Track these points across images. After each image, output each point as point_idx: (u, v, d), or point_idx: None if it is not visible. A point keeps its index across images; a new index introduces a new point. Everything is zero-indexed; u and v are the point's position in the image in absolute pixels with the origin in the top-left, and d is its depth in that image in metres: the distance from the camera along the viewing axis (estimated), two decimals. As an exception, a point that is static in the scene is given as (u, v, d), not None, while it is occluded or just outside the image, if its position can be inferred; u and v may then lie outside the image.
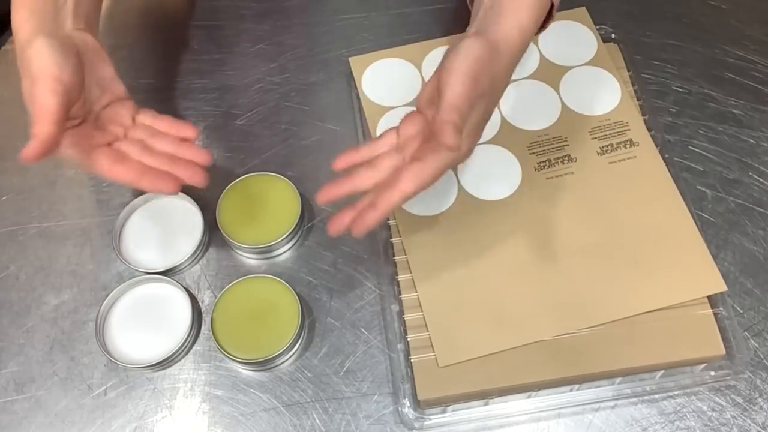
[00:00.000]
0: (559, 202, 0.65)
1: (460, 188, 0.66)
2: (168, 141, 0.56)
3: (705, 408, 0.58)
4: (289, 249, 0.66)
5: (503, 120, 0.70)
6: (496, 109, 0.70)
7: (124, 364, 0.60)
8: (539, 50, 0.74)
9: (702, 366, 0.58)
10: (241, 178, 0.68)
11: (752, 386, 0.58)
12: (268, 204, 0.67)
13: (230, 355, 0.59)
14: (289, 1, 0.82)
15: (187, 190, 0.68)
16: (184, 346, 0.61)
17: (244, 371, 0.61)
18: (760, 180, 0.68)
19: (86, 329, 0.63)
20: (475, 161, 0.67)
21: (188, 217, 0.67)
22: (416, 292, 0.61)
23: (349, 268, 0.65)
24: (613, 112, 0.70)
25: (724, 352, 0.58)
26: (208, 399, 0.60)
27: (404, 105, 0.72)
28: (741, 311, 0.62)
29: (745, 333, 0.61)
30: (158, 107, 0.76)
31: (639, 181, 0.66)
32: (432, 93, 0.52)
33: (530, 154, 0.68)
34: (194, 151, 0.55)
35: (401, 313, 0.61)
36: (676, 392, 0.58)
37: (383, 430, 0.58)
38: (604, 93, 0.71)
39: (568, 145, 0.68)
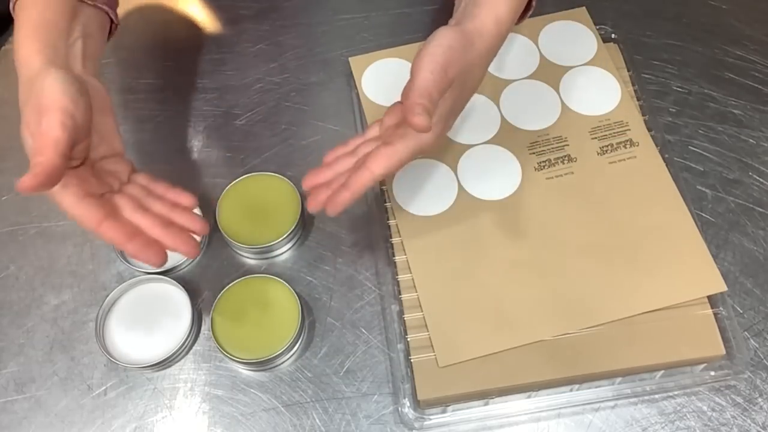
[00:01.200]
0: (559, 202, 0.65)
1: (460, 188, 0.66)
2: (163, 203, 0.53)
3: (705, 408, 0.58)
4: (289, 249, 0.66)
5: (503, 120, 0.70)
6: (497, 109, 0.70)
7: (124, 364, 0.60)
8: (539, 50, 0.74)
9: (702, 366, 0.58)
10: (241, 178, 0.68)
11: (752, 386, 0.59)
12: (268, 204, 0.67)
13: (230, 355, 0.59)
14: (288, 1, 0.82)
15: (187, 189, 0.68)
16: (184, 346, 0.61)
17: (244, 371, 0.61)
18: (760, 180, 0.68)
19: (86, 329, 0.63)
20: (476, 161, 0.67)
21: (188, 217, 0.67)
22: (416, 292, 0.61)
23: (349, 268, 0.65)
24: (613, 112, 0.70)
25: (724, 352, 0.58)
26: (208, 399, 0.60)
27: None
28: (741, 311, 0.62)
29: (745, 333, 0.61)
30: (158, 107, 0.76)
31: (639, 181, 0.66)
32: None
33: (530, 154, 0.68)
34: (189, 219, 0.53)
35: (401, 313, 0.61)
36: (676, 392, 0.58)
37: (383, 430, 0.58)
38: (604, 93, 0.71)
39: (568, 145, 0.68)
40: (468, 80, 0.54)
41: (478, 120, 0.70)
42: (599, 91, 0.71)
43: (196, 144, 0.72)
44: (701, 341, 0.58)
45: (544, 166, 0.67)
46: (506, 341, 0.58)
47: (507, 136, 0.69)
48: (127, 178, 0.55)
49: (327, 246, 0.66)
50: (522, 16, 0.61)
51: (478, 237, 0.63)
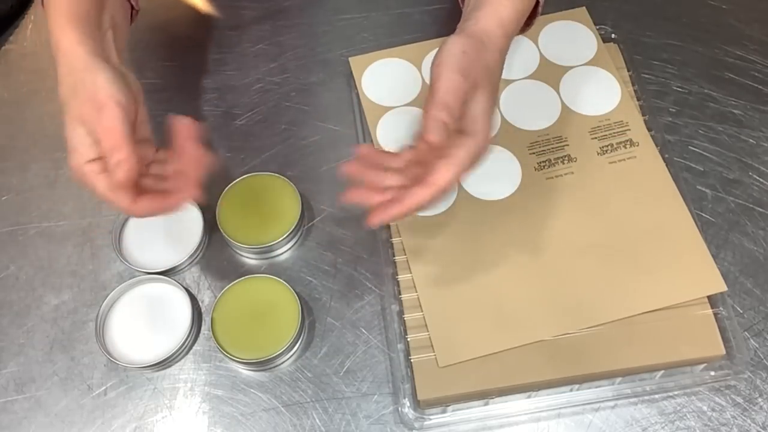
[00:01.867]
0: (560, 202, 0.65)
1: (461, 188, 0.66)
2: (175, 161, 0.55)
3: (705, 408, 0.58)
4: (289, 249, 0.66)
5: (503, 120, 0.70)
6: (496, 109, 0.70)
7: (124, 364, 0.60)
8: (539, 50, 0.74)
9: (702, 366, 0.58)
10: (241, 178, 0.68)
11: (752, 386, 0.58)
12: (268, 204, 0.67)
13: (230, 355, 0.59)
14: (289, 1, 0.82)
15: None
16: (184, 346, 0.61)
17: (244, 371, 0.61)
18: (760, 180, 0.68)
19: (86, 329, 0.63)
20: None
21: (188, 217, 0.67)
22: (416, 292, 0.61)
23: (349, 268, 0.65)
24: (613, 112, 0.70)
25: (724, 352, 0.58)
26: (208, 399, 0.60)
27: (404, 105, 0.72)
28: (741, 311, 0.62)
29: (745, 333, 0.61)
30: (158, 107, 0.76)
31: (639, 181, 0.66)
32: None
33: (530, 154, 0.68)
34: (195, 153, 0.54)
35: (401, 313, 0.61)
36: (676, 392, 0.58)
37: (383, 430, 0.58)
38: (604, 93, 0.71)
39: (568, 145, 0.68)
40: (494, 80, 0.53)
41: None
42: (599, 91, 0.71)
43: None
44: (701, 341, 0.58)
45: (544, 166, 0.67)
46: (506, 341, 0.58)
47: (507, 136, 0.69)
48: (151, 159, 0.56)
49: (327, 246, 0.66)
50: (528, 23, 0.60)
51: (478, 237, 0.63)
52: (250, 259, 0.66)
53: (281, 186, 0.67)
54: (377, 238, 0.64)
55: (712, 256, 0.62)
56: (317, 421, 0.58)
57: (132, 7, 0.62)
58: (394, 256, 0.63)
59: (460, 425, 0.57)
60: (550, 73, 0.73)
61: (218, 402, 0.59)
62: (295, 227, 0.65)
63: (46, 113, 0.75)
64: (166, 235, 0.66)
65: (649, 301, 0.60)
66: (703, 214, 0.66)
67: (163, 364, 0.60)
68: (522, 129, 0.69)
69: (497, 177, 0.67)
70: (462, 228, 0.64)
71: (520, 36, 0.74)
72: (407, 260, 0.63)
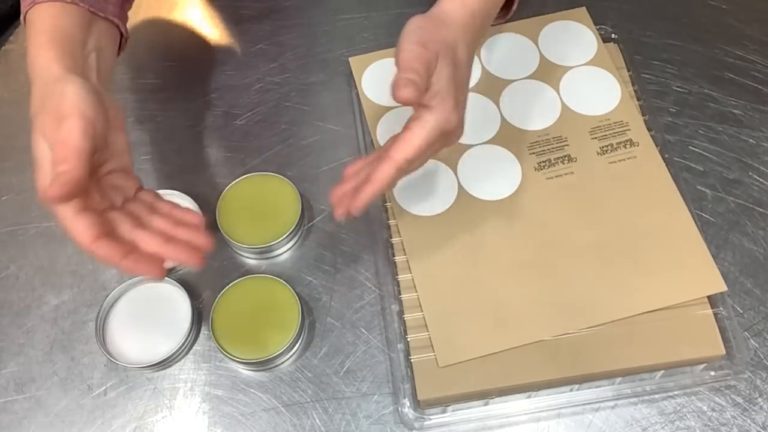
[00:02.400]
0: (559, 202, 0.65)
1: (460, 188, 0.66)
2: (166, 220, 0.52)
3: (705, 408, 0.58)
4: (289, 249, 0.66)
5: (503, 120, 0.70)
6: (496, 109, 0.70)
7: (124, 364, 0.60)
8: (539, 50, 0.74)
9: (702, 366, 0.58)
10: (241, 178, 0.68)
11: (752, 386, 0.58)
12: (268, 204, 0.67)
13: (230, 355, 0.59)
14: (288, 1, 0.82)
15: (187, 189, 0.68)
16: (184, 346, 0.61)
17: (244, 371, 0.61)
18: (760, 180, 0.68)
19: (86, 329, 0.63)
20: (476, 161, 0.67)
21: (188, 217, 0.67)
22: (416, 292, 0.61)
23: (349, 268, 0.65)
24: (613, 112, 0.70)
25: (724, 352, 0.58)
26: (208, 399, 0.60)
27: (404, 105, 0.71)
28: (741, 311, 0.62)
29: (745, 333, 0.61)
30: (158, 107, 0.76)
31: (639, 181, 0.66)
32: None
33: (530, 154, 0.68)
34: (194, 235, 0.51)
35: (401, 313, 0.61)
36: (676, 392, 0.58)
37: (383, 430, 0.58)
38: (604, 93, 0.71)
39: (568, 145, 0.68)
40: (456, 55, 0.53)
41: (478, 120, 0.70)
42: (599, 91, 0.71)
43: (196, 144, 0.72)
44: (701, 341, 0.58)
45: (544, 166, 0.67)
46: (506, 341, 0.58)
47: (507, 136, 0.69)
48: (133, 195, 0.53)
49: (327, 246, 0.66)
50: (508, 9, 0.62)
51: (478, 237, 0.63)
52: (250, 259, 0.66)
53: (281, 186, 0.67)
54: (377, 238, 0.64)
55: (712, 256, 0.62)
56: (317, 421, 0.58)
57: (121, 35, 0.59)
58: (394, 256, 0.63)
59: (460, 425, 0.57)
60: (550, 73, 0.73)
61: (218, 402, 0.59)
62: (295, 227, 0.65)
63: (46, 113, 0.75)
64: (166, 235, 0.66)
65: (649, 301, 0.60)
66: (703, 214, 0.66)
67: (163, 364, 0.60)
68: (522, 129, 0.69)
69: (497, 177, 0.67)
70: (462, 228, 0.64)
71: (520, 36, 0.75)
72: (407, 260, 0.63)
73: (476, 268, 0.62)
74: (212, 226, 0.66)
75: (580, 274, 0.61)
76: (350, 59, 0.75)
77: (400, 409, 0.57)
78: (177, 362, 0.61)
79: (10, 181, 0.71)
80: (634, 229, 0.63)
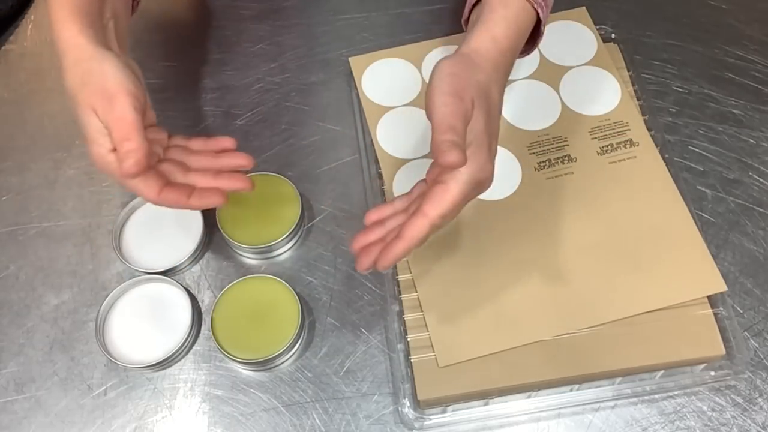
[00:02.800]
0: (560, 202, 0.65)
1: None
2: (205, 157, 0.57)
3: (705, 408, 0.58)
4: (289, 249, 0.66)
5: (503, 120, 0.70)
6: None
7: (124, 364, 0.60)
8: (539, 50, 0.74)
9: (702, 366, 0.58)
10: (241, 178, 0.68)
11: (752, 386, 0.58)
12: (268, 204, 0.67)
13: (230, 355, 0.59)
14: (289, 1, 0.82)
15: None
16: (184, 346, 0.61)
17: (244, 371, 0.61)
18: (760, 180, 0.68)
19: (86, 329, 0.63)
20: None
21: (188, 217, 0.67)
22: (416, 292, 0.61)
23: (349, 268, 0.65)
24: (613, 112, 0.70)
25: (724, 352, 0.58)
26: (208, 399, 0.60)
27: (404, 105, 0.72)
28: (741, 311, 0.62)
29: (745, 333, 0.61)
30: (158, 107, 0.76)
31: (639, 181, 0.66)
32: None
33: (530, 154, 0.68)
34: (234, 159, 0.57)
35: (401, 313, 0.61)
36: (676, 392, 0.58)
37: (383, 430, 0.58)
38: (604, 93, 0.71)
39: (568, 145, 0.68)
40: (491, 98, 0.52)
41: None
42: (599, 91, 0.71)
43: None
44: (701, 341, 0.58)
45: (544, 166, 0.67)
46: (506, 341, 0.58)
47: (507, 136, 0.69)
48: (167, 144, 0.57)
49: (327, 246, 0.66)
50: (533, 42, 0.61)
51: (478, 237, 0.63)
52: (250, 259, 0.66)
53: (281, 186, 0.67)
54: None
55: (712, 256, 0.62)
56: (317, 421, 0.58)
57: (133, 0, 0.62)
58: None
59: (460, 425, 0.57)
60: (550, 73, 0.73)
61: (218, 402, 0.59)
62: (295, 227, 0.65)
63: (46, 113, 0.75)
64: (166, 235, 0.66)
65: (649, 301, 0.60)
66: (703, 214, 0.66)
67: (163, 364, 0.60)
68: (522, 129, 0.69)
69: (497, 177, 0.66)
70: (462, 228, 0.64)
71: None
72: (407, 261, 0.63)
73: (476, 268, 0.62)
74: (212, 226, 0.66)
75: (580, 273, 0.61)
76: (350, 59, 0.75)
77: (400, 409, 0.57)
78: (177, 362, 0.61)
79: (10, 181, 0.71)
80: (635, 228, 0.63)
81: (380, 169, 0.68)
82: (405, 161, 0.68)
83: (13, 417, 0.60)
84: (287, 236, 0.64)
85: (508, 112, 0.70)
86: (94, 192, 0.70)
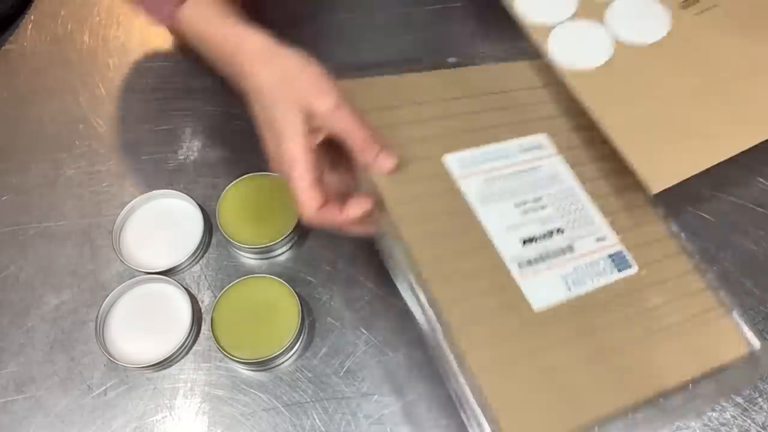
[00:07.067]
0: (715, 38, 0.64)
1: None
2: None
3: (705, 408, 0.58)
4: (289, 249, 0.66)
5: None
6: None
7: (124, 364, 0.60)
8: None
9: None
10: (241, 178, 0.68)
11: (752, 386, 0.58)
12: (268, 204, 0.67)
13: (230, 355, 0.59)
14: (289, 2, 0.82)
15: (187, 189, 0.68)
16: (184, 346, 0.61)
17: (244, 371, 0.61)
18: (760, 180, 0.68)
19: (86, 329, 0.63)
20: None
21: (188, 217, 0.67)
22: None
23: (349, 268, 0.65)
24: None
25: (748, 350, 0.55)
26: (208, 399, 0.60)
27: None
28: (741, 311, 0.61)
29: (745, 333, 0.61)
30: (158, 107, 0.76)
31: None
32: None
33: None
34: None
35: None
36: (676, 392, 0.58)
37: (383, 430, 0.58)
38: None
39: None
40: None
41: None
42: None
43: (196, 144, 0.72)
44: (724, 345, 0.55)
45: (689, 4, 0.67)
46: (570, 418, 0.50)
47: None
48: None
49: (327, 246, 0.66)
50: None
51: None
52: (250, 259, 0.66)
53: (281, 186, 0.67)
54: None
55: (712, 255, 0.61)
56: (317, 421, 0.58)
57: None
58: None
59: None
60: None
61: (218, 402, 0.59)
62: (295, 227, 0.65)
63: (46, 113, 0.75)
64: (166, 235, 0.66)
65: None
66: (703, 214, 0.66)
67: (163, 364, 0.60)
68: None
69: (646, 23, 0.66)
70: None
71: None
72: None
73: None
74: (212, 226, 0.66)
75: None
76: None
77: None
78: (177, 362, 0.61)
79: (10, 181, 0.71)
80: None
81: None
82: None
83: (13, 417, 0.60)
84: (287, 236, 0.64)
85: None
86: (94, 192, 0.70)
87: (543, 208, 0.58)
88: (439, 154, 0.57)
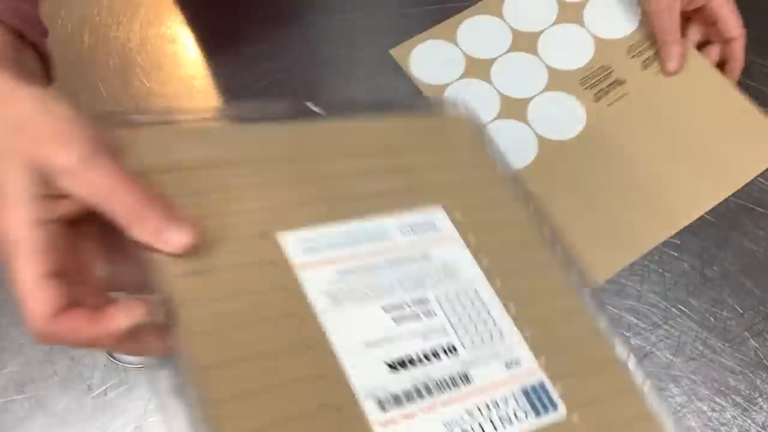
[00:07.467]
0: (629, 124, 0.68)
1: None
2: None
3: (705, 408, 0.58)
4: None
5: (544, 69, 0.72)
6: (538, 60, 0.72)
7: (124, 364, 0.60)
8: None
9: None
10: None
11: (752, 386, 0.59)
12: (268, 204, 0.66)
13: (230, 355, 0.59)
14: (289, 2, 0.82)
15: (187, 190, 0.68)
16: (184, 346, 0.61)
17: (244, 371, 0.61)
18: (760, 180, 0.68)
19: (86, 329, 0.63)
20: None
21: (188, 217, 0.67)
22: None
23: (349, 268, 0.65)
24: (639, 29, 0.73)
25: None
26: (208, 399, 0.60)
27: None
28: (741, 311, 0.62)
29: (746, 333, 0.61)
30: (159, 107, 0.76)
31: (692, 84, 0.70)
32: None
33: (584, 89, 0.70)
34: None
35: None
36: (675, 391, 0.58)
37: None
38: (625, 13, 0.74)
39: (613, 70, 0.71)
40: None
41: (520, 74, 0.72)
42: (619, 13, 0.74)
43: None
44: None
45: (601, 96, 0.70)
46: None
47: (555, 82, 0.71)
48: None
49: (327, 246, 0.66)
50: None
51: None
52: (250, 259, 0.66)
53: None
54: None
55: (712, 256, 0.62)
56: (317, 421, 0.58)
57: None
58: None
59: None
60: (569, 11, 0.75)
61: (218, 402, 0.59)
62: (295, 227, 0.64)
63: (46, 113, 0.75)
64: (166, 235, 0.66)
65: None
66: (703, 214, 0.66)
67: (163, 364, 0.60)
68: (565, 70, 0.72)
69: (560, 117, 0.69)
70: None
71: None
72: None
73: None
74: (212, 226, 0.66)
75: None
76: (391, 51, 0.75)
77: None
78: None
79: (10, 181, 0.71)
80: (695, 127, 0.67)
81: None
82: None
83: (13, 417, 0.60)
84: (287, 236, 0.64)
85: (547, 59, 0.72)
86: (94, 192, 0.70)
87: (428, 314, 0.39)
88: (272, 232, 0.39)
